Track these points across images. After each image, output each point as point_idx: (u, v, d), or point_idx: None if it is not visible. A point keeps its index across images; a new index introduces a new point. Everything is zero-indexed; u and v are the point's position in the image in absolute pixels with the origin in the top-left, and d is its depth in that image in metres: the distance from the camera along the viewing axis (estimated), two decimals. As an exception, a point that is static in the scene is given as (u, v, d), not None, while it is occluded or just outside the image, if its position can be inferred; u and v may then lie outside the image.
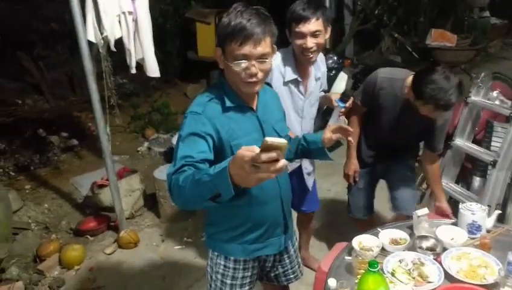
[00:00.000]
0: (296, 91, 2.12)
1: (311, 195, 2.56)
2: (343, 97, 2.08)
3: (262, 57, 1.33)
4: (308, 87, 2.17)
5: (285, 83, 2.09)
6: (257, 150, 0.97)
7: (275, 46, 1.40)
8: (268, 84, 1.66)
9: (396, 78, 2.13)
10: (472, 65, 7.33)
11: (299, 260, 1.87)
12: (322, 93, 2.34)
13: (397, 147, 2.37)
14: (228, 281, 1.63)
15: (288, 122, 2.12)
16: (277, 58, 2.08)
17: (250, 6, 1.34)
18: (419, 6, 8.12)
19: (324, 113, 2.44)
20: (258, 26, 1.29)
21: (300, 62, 2.09)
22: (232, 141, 1.40)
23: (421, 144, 2.44)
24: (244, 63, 1.32)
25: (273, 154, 0.96)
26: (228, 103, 1.41)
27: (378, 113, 2.23)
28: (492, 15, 8.88)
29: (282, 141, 0.96)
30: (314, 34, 1.94)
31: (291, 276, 1.83)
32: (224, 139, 1.39)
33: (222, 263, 1.62)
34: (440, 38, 7.63)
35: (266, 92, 1.57)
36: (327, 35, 2.03)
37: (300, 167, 2.34)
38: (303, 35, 1.94)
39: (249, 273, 1.65)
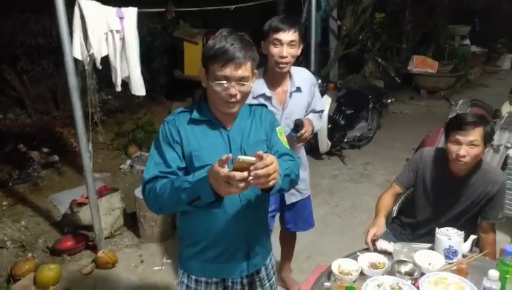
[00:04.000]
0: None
1: (299, 216, 2.54)
2: (297, 127, 2.18)
3: (242, 80, 1.40)
4: (285, 102, 2.23)
5: (255, 98, 2.16)
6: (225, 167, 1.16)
7: (255, 71, 1.47)
8: (265, 106, 1.67)
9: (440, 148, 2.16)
10: (452, 91, 7.53)
11: None
12: (310, 115, 2.39)
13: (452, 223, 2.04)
14: None
15: None
16: None
17: (235, 32, 1.42)
18: (402, 33, 8.38)
19: None
20: (240, 51, 1.37)
21: (273, 75, 2.19)
22: (194, 151, 1.46)
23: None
24: (224, 84, 1.39)
25: (245, 174, 1.15)
26: (195, 115, 1.49)
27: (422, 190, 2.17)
28: (472, 43, 9.21)
29: (251, 159, 1.15)
30: (290, 44, 2.08)
31: None
32: (185, 147, 1.47)
33: (185, 281, 1.63)
34: (422, 64, 7.86)
35: (251, 116, 1.57)
36: (299, 51, 2.16)
37: None
38: (280, 43, 2.07)
39: None
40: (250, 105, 1.61)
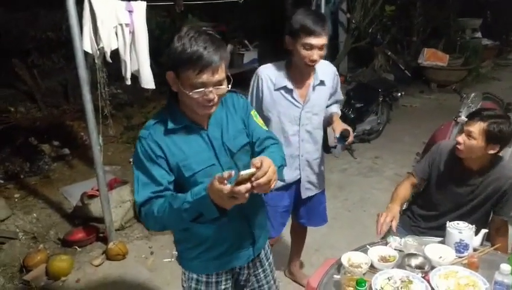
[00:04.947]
0: (290, 98, 2.17)
1: (313, 211, 2.53)
2: (344, 137, 2.17)
3: (218, 84, 1.33)
4: (307, 96, 2.20)
5: (277, 90, 2.15)
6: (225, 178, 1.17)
7: (227, 70, 1.38)
8: (234, 92, 1.58)
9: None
10: (463, 85, 7.43)
11: (275, 275, 1.84)
12: (335, 107, 2.39)
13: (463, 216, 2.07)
14: None
15: (282, 131, 2.20)
16: (268, 69, 2.18)
17: (204, 31, 1.33)
18: (412, 26, 8.28)
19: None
20: (215, 54, 1.28)
21: (299, 71, 2.15)
22: (180, 162, 1.40)
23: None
24: (202, 91, 1.31)
25: (249, 186, 1.19)
26: (170, 125, 1.41)
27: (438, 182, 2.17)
28: (484, 36, 9.06)
29: (252, 170, 1.19)
30: (320, 48, 2.03)
31: None
32: (170, 160, 1.40)
33: (195, 277, 1.63)
34: (432, 57, 7.76)
35: (223, 106, 1.52)
36: None
37: (299, 179, 2.34)
38: (311, 47, 2.01)
39: (223, 287, 1.65)
40: None
